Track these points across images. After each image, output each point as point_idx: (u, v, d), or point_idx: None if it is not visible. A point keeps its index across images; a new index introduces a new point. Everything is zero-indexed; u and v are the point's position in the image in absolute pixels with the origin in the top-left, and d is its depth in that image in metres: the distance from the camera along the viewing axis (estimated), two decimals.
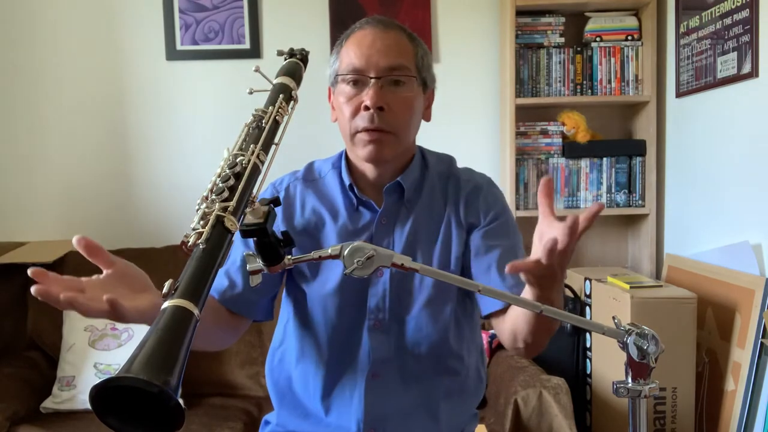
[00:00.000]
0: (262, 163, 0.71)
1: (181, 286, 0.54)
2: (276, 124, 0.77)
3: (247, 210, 0.69)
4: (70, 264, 2.24)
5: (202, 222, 0.60)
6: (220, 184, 0.65)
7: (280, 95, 0.81)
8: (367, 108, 1.00)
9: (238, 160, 0.68)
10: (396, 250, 1.07)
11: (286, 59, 0.91)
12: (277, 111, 0.78)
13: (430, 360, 1.09)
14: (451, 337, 1.11)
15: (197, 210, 0.62)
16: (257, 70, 0.82)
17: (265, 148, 0.72)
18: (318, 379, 1.09)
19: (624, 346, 0.73)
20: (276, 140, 0.76)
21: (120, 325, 2.06)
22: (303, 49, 0.93)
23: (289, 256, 0.76)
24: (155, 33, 2.49)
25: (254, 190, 0.69)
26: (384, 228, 1.08)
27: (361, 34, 1.04)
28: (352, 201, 1.10)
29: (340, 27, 2.51)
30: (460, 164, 1.20)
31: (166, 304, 0.52)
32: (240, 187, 0.65)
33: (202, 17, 2.47)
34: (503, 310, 1.07)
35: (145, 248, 2.31)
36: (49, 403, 1.97)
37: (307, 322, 1.10)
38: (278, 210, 1.08)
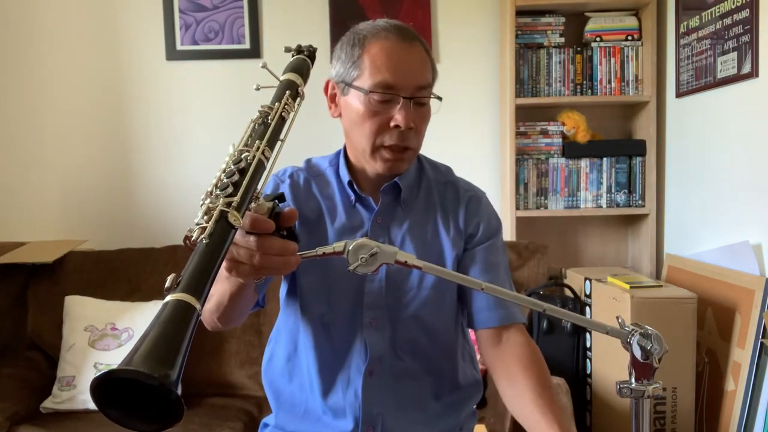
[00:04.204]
0: (267, 159, 0.70)
1: (183, 280, 0.53)
2: (282, 121, 0.77)
3: (251, 206, 0.68)
4: (70, 264, 2.24)
5: (206, 217, 0.60)
6: (225, 180, 0.65)
7: (287, 91, 0.80)
8: (397, 126, 1.00)
9: (243, 156, 0.68)
10: None
11: (293, 56, 0.90)
12: (284, 107, 0.78)
13: (422, 359, 1.10)
14: (444, 340, 1.11)
15: (201, 205, 0.62)
16: (264, 66, 0.81)
17: (270, 145, 0.72)
18: (315, 378, 1.09)
19: (628, 347, 0.72)
20: (281, 137, 0.76)
21: (120, 325, 2.06)
22: (310, 46, 0.92)
23: None
24: (155, 33, 2.49)
25: (258, 186, 0.68)
26: (379, 227, 1.09)
27: (389, 47, 1.01)
28: (349, 198, 1.10)
29: (340, 27, 2.52)
30: (459, 165, 1.22)
31: (168, 298, 0.52)
32: (244, 182, 0.65)
33: (202, 17, 2.47)
34: (496, 331, 1.08)
35: (145, 248, 2.31)
36: (49, 403, 1.97)
37: (303, 321, 1.10)
38: (287, 194, 1.10)
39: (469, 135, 2.55)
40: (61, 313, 2.12)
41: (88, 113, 2.51)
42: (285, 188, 1.11)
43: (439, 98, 1.05)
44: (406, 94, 1.00)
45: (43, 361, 2.13)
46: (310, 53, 0.91)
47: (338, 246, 0.72)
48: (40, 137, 2.51)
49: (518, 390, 1.02)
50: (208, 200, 0.62)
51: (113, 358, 2.01)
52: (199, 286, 0.53)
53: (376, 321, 1.06)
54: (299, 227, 1.08)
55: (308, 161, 1.18)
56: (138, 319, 2.07)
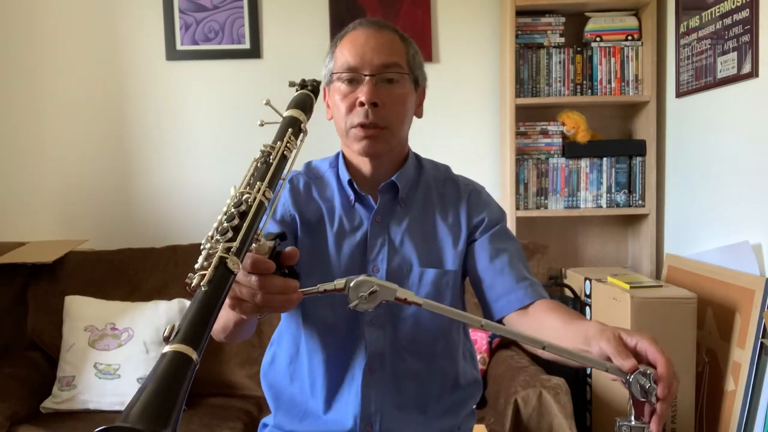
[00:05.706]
0: (268, 200, 0.72)
1: (182, 330, 0.54)
2: (284, 159, 0.78)
3: (253, 246, 0.69)
4: (70, 264, 2.25)
5: (206, 263, 0.61)
6: (225, 224, 0.66)
7: (289, 129, 0.82)
8: (362, 104, 1.03)
9: (243, 198, 0.69)
10: (390, 248, 1.09)
11: (297, 90, 0.92)
12: (285, 146, 0.79)
13: (422, 359, 1.10)
14: (445, 339, 1.12)
15: (202, 250, 0.63)
16: (268, 103, 0.83)
17: (271, 185, 0.73)
18: (315, 376, 1.10)
19: (627, 385, 0.72)
20: (283, 175, 0.77)
21: (120, 325, 2.06)
22: (314, 80, 0.95)
23: None
24: (155, 33, 2.49)
25: (260, 226, 0.69)
26: (378, 226, 1.10)
27: (355, 34, 1.07)
28: (348, 198, 1.11)
29: (340, 27, 2.49)
30: (459, 165, 1.24)
31: (166, 349, 0.53)
32: (244, 226, 0.66)
33: (202, 17, 2.47)
34: (521, 310, 1.05)
35: (145, 248, 2.31)
36: (49, 403, 1.97)
37: (305, 324, 1.11)
38: (287, 196, 1.11)
39: (469, 135, 2.55)
40: (61, 313, 2.12)
41: (88, 113, 2.51)
42: (285, 193, 1.12)
43: (409, 74, 1.07)
44: (369, 72, 1.04)
45: (43, 361, 2.13)
46: (314, 88, 0.93)
47: (339, 283, 0.74)
48: (40, 137, 2.51)
49: (540, 323, 0.99)
50: (209, 245, 0.63)
51: (113, 358, 2.01)
52: (197, 336, 0.54)
53: (376, 319, 1.07)
54: (301, 231, 1.10)
55: (308, 164, 1.19)
56: (138, 319, 2.08)
